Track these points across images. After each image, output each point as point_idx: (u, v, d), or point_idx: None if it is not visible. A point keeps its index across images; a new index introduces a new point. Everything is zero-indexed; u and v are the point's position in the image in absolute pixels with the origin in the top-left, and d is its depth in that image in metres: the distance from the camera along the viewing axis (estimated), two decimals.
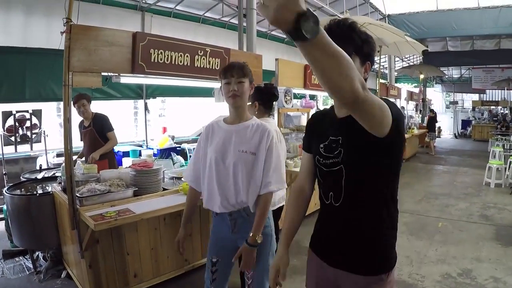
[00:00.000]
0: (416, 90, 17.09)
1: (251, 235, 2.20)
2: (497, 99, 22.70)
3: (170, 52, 3.78)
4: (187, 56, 3.97)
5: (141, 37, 3.49)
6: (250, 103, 3.06)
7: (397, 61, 17.61)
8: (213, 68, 4.30)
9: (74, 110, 4.51)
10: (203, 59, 4.17)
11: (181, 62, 3.92)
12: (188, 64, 4.01)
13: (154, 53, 3.61)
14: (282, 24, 0.89)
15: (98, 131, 4.96)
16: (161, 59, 3.71)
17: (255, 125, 2.31)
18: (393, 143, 1.46)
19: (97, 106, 5.68)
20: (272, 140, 2.28)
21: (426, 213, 6.35)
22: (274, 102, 3.48)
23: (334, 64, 1.03)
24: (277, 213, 3.35)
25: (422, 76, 15.86)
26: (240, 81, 2.23)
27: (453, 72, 23.86)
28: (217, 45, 4.44)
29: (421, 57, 16.62)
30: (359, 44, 1.51)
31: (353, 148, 1.51)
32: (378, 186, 1.55)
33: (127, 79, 3.78)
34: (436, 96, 25.91)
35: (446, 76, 23.08)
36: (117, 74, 3.58)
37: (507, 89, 19.30)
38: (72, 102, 4.98)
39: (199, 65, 4.13)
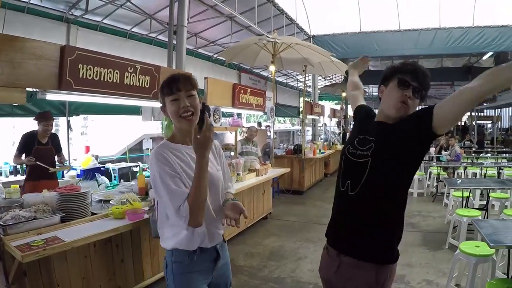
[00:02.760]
0: (338, 107, 17.81)
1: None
2: None
3: (99, 68, 3.59)
4: (116, 72, 3.80)
5: (70, 51, 3.29)
6: None
7: (320, 79, 18.29)
8: (143, 86, 4.16)
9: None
10: (133, 76, 4.01)
11: (110, 79, 3.74)
12: (118, 81, 3.83)
13: (82, 69, 3.41)
14: None
15: (56, 150, 5.33)
16: (89, 75, 3.51)
17: None
18: None
19: (15, 124, 5.28)
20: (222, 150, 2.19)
21: None
22: None
23: None
24: None
25: (344, 94, 16.56)
26: (190, 94, 1.84)
27: (373, 90, 25.22)
28: (147, 62, 4.30)
29: (342, 76, 17.40)
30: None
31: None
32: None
33: (53, 95, 3.48)
34: None
35: (367, 94, 24.34)
36: (42, 90, 3.30)
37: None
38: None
39: (128, 83, 3.97)
